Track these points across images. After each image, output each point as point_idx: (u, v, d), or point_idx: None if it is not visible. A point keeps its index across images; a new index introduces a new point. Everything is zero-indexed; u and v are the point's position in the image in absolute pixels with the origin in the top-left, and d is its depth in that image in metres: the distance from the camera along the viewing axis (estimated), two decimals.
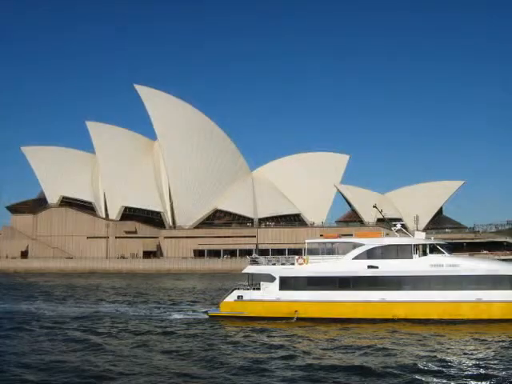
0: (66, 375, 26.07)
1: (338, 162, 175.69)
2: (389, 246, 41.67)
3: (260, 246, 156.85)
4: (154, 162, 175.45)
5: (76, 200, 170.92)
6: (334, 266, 41.95)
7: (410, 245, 41.22)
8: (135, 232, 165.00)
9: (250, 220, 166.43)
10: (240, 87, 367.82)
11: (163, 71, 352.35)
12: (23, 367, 27.80)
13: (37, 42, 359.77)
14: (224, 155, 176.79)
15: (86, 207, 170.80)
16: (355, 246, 42.31)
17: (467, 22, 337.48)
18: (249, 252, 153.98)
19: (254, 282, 44.59)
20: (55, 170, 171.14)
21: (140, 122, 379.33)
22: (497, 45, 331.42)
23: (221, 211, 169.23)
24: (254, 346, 32.90)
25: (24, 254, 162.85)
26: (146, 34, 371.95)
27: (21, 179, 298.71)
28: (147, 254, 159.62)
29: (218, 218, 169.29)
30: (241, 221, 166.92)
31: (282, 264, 43.99)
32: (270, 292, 42.90)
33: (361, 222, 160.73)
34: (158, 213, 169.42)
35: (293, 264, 43.60)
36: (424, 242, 41.56)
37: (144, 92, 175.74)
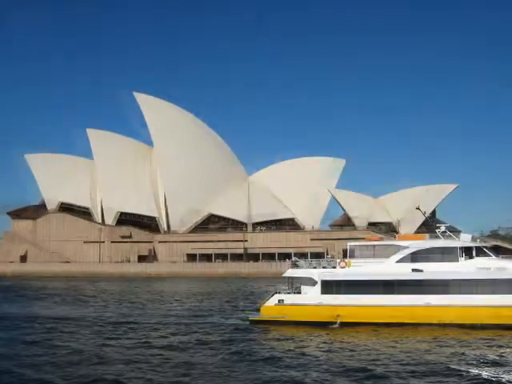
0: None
1: (335, 166, 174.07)
2: (434, 248, 39.52)
3: (251, 251, 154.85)
4: (150, 168, 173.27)
5: (74, 206, 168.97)
6: (376, 270, 39.63)
7: (456, 247, 38.99)
8: (130, 237, 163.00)
9: (244, 224, 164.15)
10: (241, 91, 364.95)
11: (161, 75, 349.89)
12: None
13: (36, 46, 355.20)
14: (220, 161, 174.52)
15: (84, 213, 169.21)
16: (399, 248, 40.06)
17: (461, 20, 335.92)
18: (239, 256, 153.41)
19: (294, 285, 42.42)
20: (55, 177, 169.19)
21: (139, 129, 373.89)
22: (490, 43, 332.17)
23: (215, 216, 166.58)
24: (293, 354, 30.34)
25: (23, 259, 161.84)
26: (143, 38, 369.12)
27: (23, 185, 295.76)
28: (142, 259, 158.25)
29: (212, 223, 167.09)
30: (235, 225, 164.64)
31: (323, 267, 41.55)
32: (311, 296, 40.64)
33: (353, 226, 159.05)
34: (154, 218, 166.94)
35: (334, 267, 41.30)
36: (470, 245, 39.44)
37: (142, 99, 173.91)
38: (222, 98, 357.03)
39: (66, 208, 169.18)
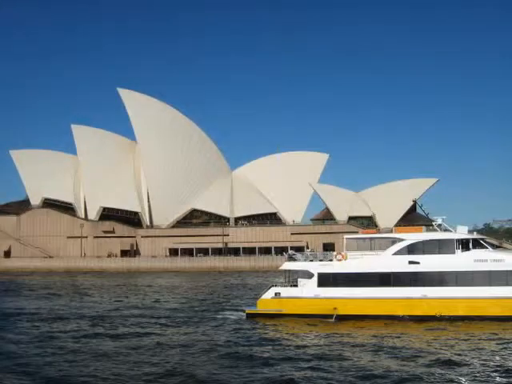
0: None
1: (317, 161, 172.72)
2: (430, 240, 38.85)
3: (232, 245, 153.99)
4: (134, 163, 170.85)
5: (57, 201, 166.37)
6: (373, 262, 39.06)
7: (453, 239, 38.39)
8: (113, 232, 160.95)
9: (227, 219, 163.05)
10: (240, 89, 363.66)
11: (148, 71, 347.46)
12: None
13: (23, 43, 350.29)
14: (204, 156, 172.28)
15: (68, 208, 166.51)
16: (395, 241, 39.43)
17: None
18: (219, 250, 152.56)
19: (291, 278, 41.62)
20: (39, 173, 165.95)
21: (123, 124, 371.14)
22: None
23: (198, 211, 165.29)
24: (292, 354, 29.27)
25: (7, 254, 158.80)
26: (143, 37, 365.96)
27: (8, 181, 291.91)
28: (125, 253, 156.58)
29: (195, 218, 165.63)
30: (217, 220, 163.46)
31: (320, 260, 40.87)
32: (308, 289, 39.98)
33: (334, 220, 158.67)
34: (137, 213, 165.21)
35: (331, 260, 40.59)
36: (466, 237, 38.91)
37: (125, 94, 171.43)
38: (221, 96, 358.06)
39: (49, 204, 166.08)
